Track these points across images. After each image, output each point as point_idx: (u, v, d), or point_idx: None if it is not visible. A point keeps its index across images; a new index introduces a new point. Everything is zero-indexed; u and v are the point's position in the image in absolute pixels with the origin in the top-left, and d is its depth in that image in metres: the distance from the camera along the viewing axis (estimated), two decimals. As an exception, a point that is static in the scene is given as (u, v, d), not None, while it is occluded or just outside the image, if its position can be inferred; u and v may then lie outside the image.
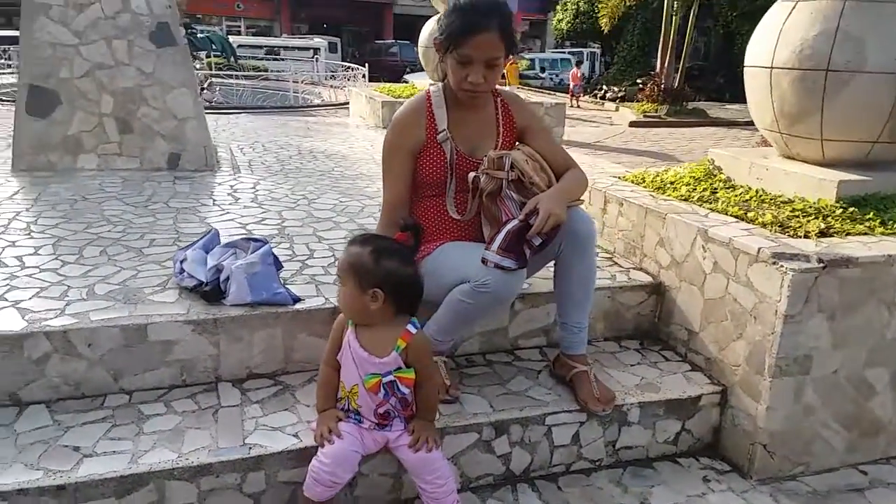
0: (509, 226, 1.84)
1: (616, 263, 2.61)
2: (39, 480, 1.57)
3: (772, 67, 2.50)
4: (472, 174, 1.98)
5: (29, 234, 2.61)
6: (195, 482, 1.67)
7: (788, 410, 2.01)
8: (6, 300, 2.00)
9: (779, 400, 1.98)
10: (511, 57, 1.96)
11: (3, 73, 12.50)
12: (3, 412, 1.81)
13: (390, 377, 1.66)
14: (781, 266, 1.90)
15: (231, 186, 3.59)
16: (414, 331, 1.67)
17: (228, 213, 3.07)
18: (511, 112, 2.10)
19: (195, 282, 2.09)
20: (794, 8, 2.49)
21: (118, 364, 1.92)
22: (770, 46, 2.51)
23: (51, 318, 1.90)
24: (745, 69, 2.70)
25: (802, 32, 2.41)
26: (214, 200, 3.29)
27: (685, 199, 2.56)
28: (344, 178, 3.90)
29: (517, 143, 2.10)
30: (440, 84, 2.06)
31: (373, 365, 1.67)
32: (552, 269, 2.06)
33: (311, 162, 4.34)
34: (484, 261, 1.81)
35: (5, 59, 13.53)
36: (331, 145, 4.99)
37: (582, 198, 2.05)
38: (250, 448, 1.73)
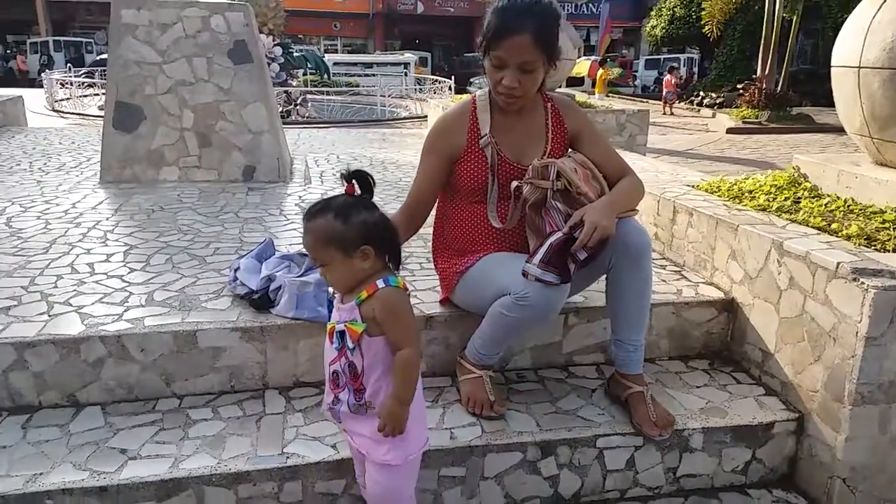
0: (552, 238, 1.74)
1: (684, 277, 2.44)
2: (84, 481, 1.62)
3: (860, 67, 2.27)
4: (514, 183, 1.90)
5: (104, 242, 2.75)
6: (233, 489, 1.68)
7: (872, 442, 1.79)
8: (70, 305, 2.10)
9: (861, 430, 1.77)
10: (556, 64, 1.85)
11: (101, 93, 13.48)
12: (62, 413, 1.89)
13: (342, 325, 1.49)
14: (863, 283, 1.70)
15: (300, 197, 3.66)
16: (382, 285, 1.47)
17: (293, 223, 3.12)
18: (562, 117, 2.00)
19: (246, 290, 2.12)
20: (883, 3, 2.26)
21: (170, 369, 1.97)
22: (857, 45, 2.29)
23: (108, 323, 1.97)
24: (831, 69, 2.47)
25: (893, 28, 2.18)
26: (282, 211, 3.35)
27: (763, 210, 2.36)
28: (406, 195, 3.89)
29: (569, 149, 2.00)
30: (487, 88, 2.00)
31: (337, 311, 1.54)
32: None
33: (380, 172, 4.37)
34: (525, 274, 1.72)
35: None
36: (402, 156, 5.02)
37: (637, 207, 1.92)
38: (288, 457, 1.72)
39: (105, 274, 2.38)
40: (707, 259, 2.39)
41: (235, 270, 2.23)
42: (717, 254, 2.32)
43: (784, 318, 2.00)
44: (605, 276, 1.91)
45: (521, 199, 1.87)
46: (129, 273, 2.40)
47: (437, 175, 1.98)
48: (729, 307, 2.26)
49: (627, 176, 1.94)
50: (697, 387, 2.11)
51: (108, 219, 3.09)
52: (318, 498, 1.74)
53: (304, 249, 2.53)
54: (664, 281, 2.39)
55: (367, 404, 1.51)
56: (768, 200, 2.42)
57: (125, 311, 2.07)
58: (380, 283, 1.47)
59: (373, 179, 1.53)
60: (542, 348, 2.19)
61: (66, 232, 2.86)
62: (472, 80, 18.87)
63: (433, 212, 2.09)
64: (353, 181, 1.50)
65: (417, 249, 2.72)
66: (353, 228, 1.46)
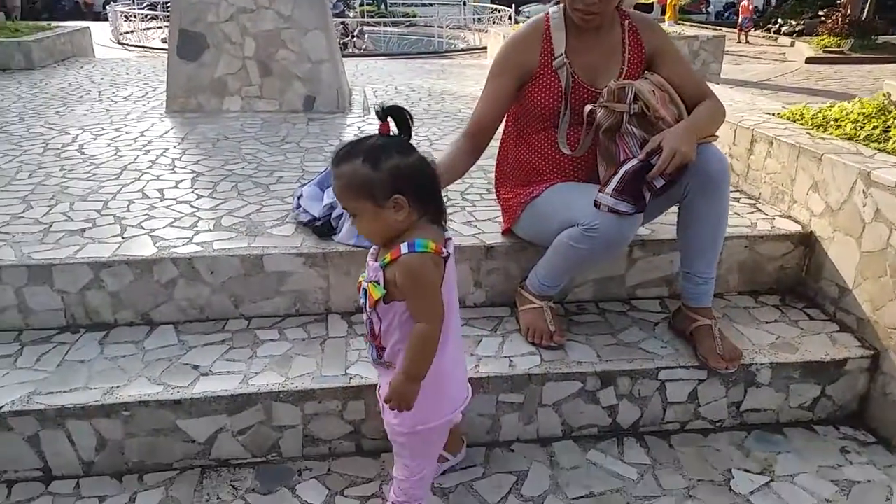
0: (627, 165, 1.67)
1: (759, 210, 2.33)
2: (159, 394, 1.70)
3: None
4: (588, 107, 1.81)
5: (173, 169, 2.81)
6: (299, 406, 1.73)
7: (956, 384, 1.70)
8: (143, 228, 2.17)
9: (945, 372, 1.69)
10: None
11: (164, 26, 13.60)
12: (136, 330, 1.98)
13: (366, 283, 1.38)
14: (961, 213, 1.58)
15: (359, 127, 3.64)
16: (405, 250, 1.29)
17: (353, 152, 3.11)
18: (640, 36, 1.89)
19: (309, 217, 2.14)
20: None
21: (238, 291, 2.02)
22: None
23: (179, 246, 2.03)
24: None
25: None
26: (342, 141, 3.30)
27: (849, 139, 2.21)
28: (468, 120, 3.81)
29: (646, 71, 1.89)
30: (561, 5, 1.89)
31: (367, 265, 1.40)
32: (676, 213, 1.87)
33: (438, 103, 4.29)
34: (597, 204, 1.67)
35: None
36: (461, 87, 4.91)
37: (716, 133, 1.82)
38: (351, 378, 1.76)
39: (174, 199, 2.45)
40: (785, 191, 2.27)
41: (298, 198, 2.25)
42: (796, 185, 2.20)
43: (866, 253, 1.89)
44: (677, 205, 1.84)
45: (594, 125, 1.79)
46: (196, 199, 2.45)
47: (505, 97, 1.91)
48: (806, 241, 2.15)
49: (708, 99, 1.83)
50: (767, 322, 2.04)
51: (175, 147, 3.15)
52: (379, 418, 1.78)
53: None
54: (738, 214, 2.29)
55: (387, 364, 1.43)
56: (855, 129, 2.26)
57: (194, 234, 2.12)
58: (403, 249, 1.29)
59: (411, 116, 1.34)
60: (604, 281, 2.15)
61: (135, 159, 2.94)
62: (521, 8, 17.46)
63: (496, 141, 2.03)
64: (389, 118, 1.32)
65: (478, 180, 2.68)
66: (383, 175, 1.28)
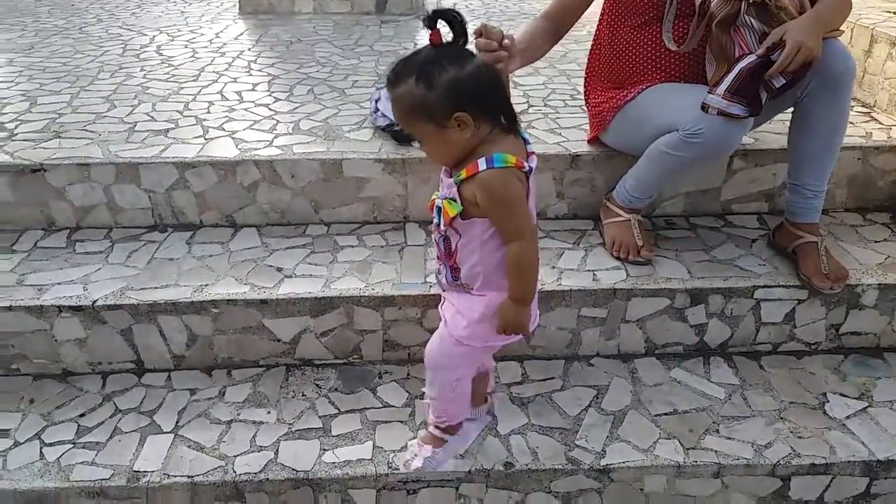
0: (744, 62, 1.51)
1: (874, 119, 2.13)
2: (246, 294, 1.73)
3: None
4: None
5: (249, 71, 2.78)
6: (380, 311, 1.73)
7: None
8: (224, 130, 2.16)
9: None
10: None
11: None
12: (222, 231, 2.01)
13: (440, 201, 1.28)
14: None
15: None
16: (483, 167, 1.18)
17: (429, 55, 2.99)
18: None
19: (387, 121, 2.08)
20: None
21: (317, 196, 2.01)
22: None
23: (260, 149, 2.02)
24: None
25: None
26: (416, 44, 3.22)
27: None
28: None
29: None
30: None
31: (441, 182, 1.31)
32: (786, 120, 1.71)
33: (516, 4, 4.06)
34: (704, 107, 1.53)
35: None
36: (543, -15, 4.62)
37: (841, 28, 1.62)
38: (431, 286, 1.74)
39: (252, 102, 2.42)
40: (908, 98, 2.05)
41: (376, 101, 2.18)
42: (923, 92, 1.98)
43: None
44: (790, 109, 1.68)
45: (707, 15, 1.62)
46: (274, 102, 2.42)
47: None
48: (927, 155, 1.96)
49: None
50: (876, 241, 1.90)
51: (249, 49, 3.10)
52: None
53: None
54: (851, 123, 2.06)
55: (464, 286, 1.34)
56: None
57: (274, 138, 2.10)
58: (481, 165, 1.18)
59: (462, 18, 1.17)
60: (697, 194, 2.02)
61: (212, 61, 2.91)
62: None
63: (590, 42, 1.89)
64: (438, 26, 1.17)
65: (561, 85, 2.54)
66: (439, 92, 1.15)
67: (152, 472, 1.49)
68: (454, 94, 1.16)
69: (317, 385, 1.74)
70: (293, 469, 1.50)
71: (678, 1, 1.68)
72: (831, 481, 1.52)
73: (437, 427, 1.50)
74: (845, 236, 1.92)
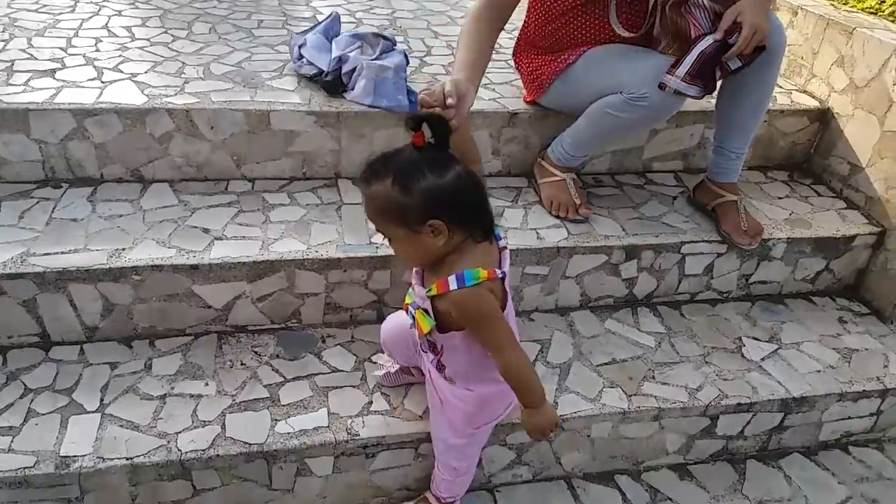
0: (703, 45, 1.54)
1: (776, 84, 2.29)
2: (173, 258, 1.57)
3: None
4: None
5: (133, 3, 2.47)
6: (323, 274, 1.65)
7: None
8: (122, 72, 1.91)
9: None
10: None
11: None
12: (129, 188, 1.80)
13: (413, 309, 1.25)
14: None
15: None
16: (454, 286, 1.13)
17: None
18: None
19: (315, 70, 1.94)
20: None
21: (240, 150, 1.85)
22: None
23: (171, 96, 1.81)
24: None
25: None
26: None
27: (874, 13, 2.16)
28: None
29: None
30: None
31: (413, 287, 1.27)
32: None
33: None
34: (662, 86, 1.56)
35: None
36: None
37: (772, -1, 1.71)
38: (377, 247, 1.68)
39: (147, 40, 2.16)
40: (804, 65, 2.23)
41: (299, 47, 2.02)
42: (819, 59, 2.16)
43: (888, 132, 1.91)
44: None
45: None
46: (173, 41, 2.17)
47: None
48: (822, 117, 2.15)
49: None
50: (780, 198, 2.08)
51: (128, -23, 2.75)
52: (404, 287, 1.73)
53: (377, 29, 2.31)
54: (757, 87, 2.24)
55: (449, 380, 1.32)
56: (880, 3, 2.21)
57: (184, 83, 1.89)
58: (451, 284, 1.13)
59: (447, 123, 1.13)
60: (622, 153, 2.09)
61: (87, -11, 2.55)
62: None
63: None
64: (422, 127, 1.12)
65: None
66: (416, 198, 1.10)
67: (83, 455, 1.35)
68: (431, 202, 1.11)
69: (255, 352, 1.64)
70: (245, 442, 1.41)
71: None
72: (752, 418, 1.68)
73: (437, 490, 1.51)
74: (752, 193, 2.09)
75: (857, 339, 1.87)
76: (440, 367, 1.32)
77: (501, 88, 2.07)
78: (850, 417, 1.77)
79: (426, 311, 1.20)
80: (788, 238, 1.90)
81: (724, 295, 1.98)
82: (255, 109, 1.80)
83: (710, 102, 1.86)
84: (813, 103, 2.15)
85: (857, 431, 1.82)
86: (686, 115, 2.04)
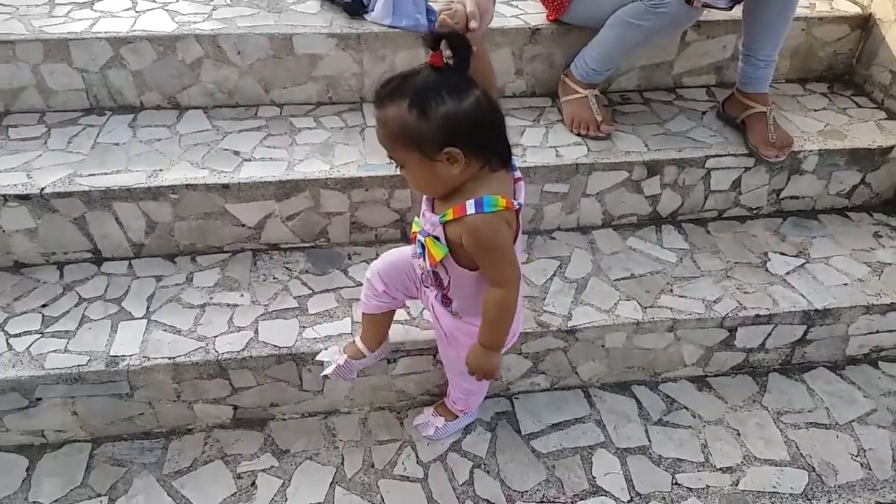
0: None
1: (816, -11, 2.18)
2: (206, 178, 1.66)
3: None
4: None
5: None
6: (347, 193, 1.72)
7: None
8: (155, 1, 1.99)
9: None
10: None
11: None
12: (166, 114, 1.89)
13: (423, 237, 1.21)
14: None
15: None
16: (471, 210, 1.09)
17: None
18: None
19: (336, -9, 1.96)
20: None
21: (267, 75, 1.91)
22: None
23: (199, 22, 1.88)
24: None
25: None
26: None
27: None
28: None
29: None
30: None
31: (423, 216, 1.22)
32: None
33: None
34: (690, 0, 1.52)
35: None
36: None
37: None
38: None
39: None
40: (848, -31, 2.11)
41: (321, -30, 2.04)
42: (863, -39, 2.04)
43: (934, 37, 1.81)
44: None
45: None
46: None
47: None
48: (863, 24, 2.05)
49: None
50: (815, 110, 2.01)
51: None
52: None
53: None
54: (795, -6, 2.14)
55: (454, 314, 1.31)
56: None
57: (212, 10, 1.95)
58: (469, 208, 1.09)
59: (468, 43, 1.06)
60: (650, 68, 2.05)
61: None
62: None
63: None
64: (441, 46, 1.05)
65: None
66: (433, 123, 1.04)
67: (131, 355, 1.48)
68: (449, 128, 1.05)
69: (287, 268, 1.74)
70: (275, 346, 1.52)
71: None
72: (772, 330, 1.69)
73: (453, 403, 1.57)
74: (787, 105, 2.02)
75: (891, 253, 1.82)
76: (446, 302, 1.30)
77: (524, 4, 2.04)
78: (878, 331, 1.75)
79: (437, 237, 1.17)
80: (820, 150, 1.84)
81: (754, 211, 1.95)
82: (278, 34, 1.85)
83: (740, 10, 1.80)
84: (854, 9, 2.05)
85: (887, 346, 1.79)
86: (717, 25, 1.98)
